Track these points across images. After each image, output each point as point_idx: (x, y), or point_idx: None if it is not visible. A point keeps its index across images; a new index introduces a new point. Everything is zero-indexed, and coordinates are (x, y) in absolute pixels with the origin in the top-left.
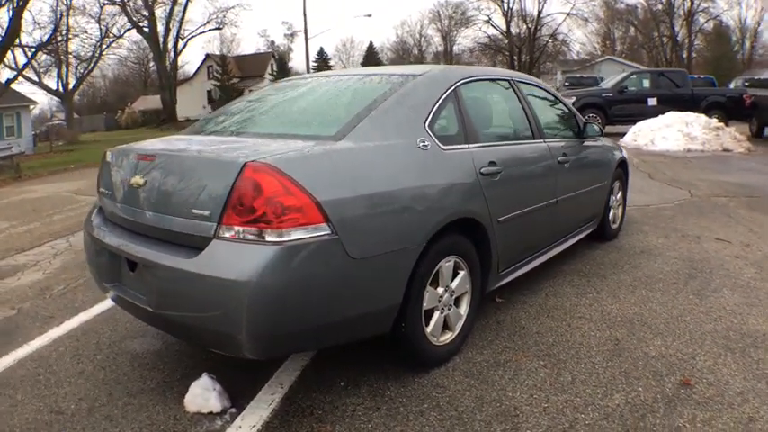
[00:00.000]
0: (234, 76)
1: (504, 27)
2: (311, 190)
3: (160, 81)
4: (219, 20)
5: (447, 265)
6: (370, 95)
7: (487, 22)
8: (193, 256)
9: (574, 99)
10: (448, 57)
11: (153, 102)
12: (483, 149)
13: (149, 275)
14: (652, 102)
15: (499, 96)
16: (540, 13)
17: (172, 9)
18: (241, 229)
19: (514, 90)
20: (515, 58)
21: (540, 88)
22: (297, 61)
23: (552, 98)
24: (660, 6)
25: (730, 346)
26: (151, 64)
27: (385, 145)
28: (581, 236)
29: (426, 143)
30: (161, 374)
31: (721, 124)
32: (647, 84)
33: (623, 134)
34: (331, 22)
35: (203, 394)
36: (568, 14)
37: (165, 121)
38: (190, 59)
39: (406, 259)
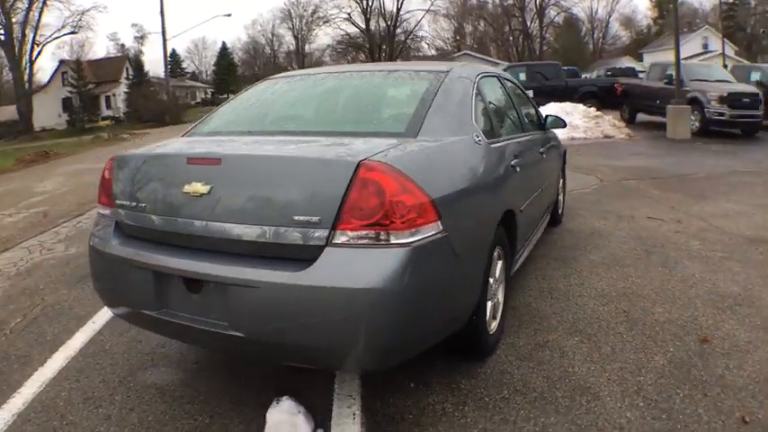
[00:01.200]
0: (89, 82)
1: (363, 25)
2: (425, 187)
3: (16, 90)
4: (75, 23)
5: (496, 255)
6: (412, 92)
7: (348, 19)
8: (303, 268)
9: None
10: (300, 56)
11: (8, 113)
12: (508, 143)
13: (237, 296)
14: (528, 94)
15: (499, 91)
16: (399, 9)
17: (27, 14)
18: (360, 233)
19: (502, 85)
20: (375, 55)
21: (513, 83)
22: (149, 65)
23: (520, 92)
24: (512, 1)
25: (719, 306)
26: (4, 73)
27: (456, 140)
28: (546, 222)
29: (479, 138)
30: (208, 406)
31: (600, 113)
32: (523, 77)
33: None
34: (183, 22)
35: (290, 420)
36: (428, 11)
37: (22, 132)
38: (41, 66)
39: (485, 252)
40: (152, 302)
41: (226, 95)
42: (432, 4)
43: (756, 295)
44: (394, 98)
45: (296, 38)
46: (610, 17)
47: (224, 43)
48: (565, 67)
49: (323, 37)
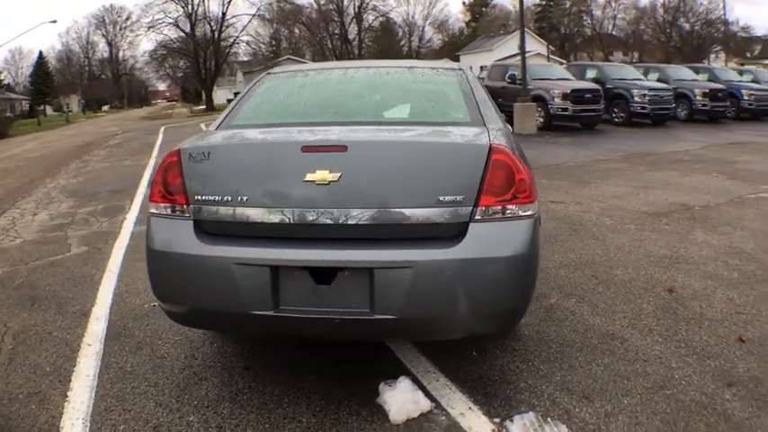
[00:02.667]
0: None
1: (189, 30)
2: (527, 169)
3: None
4: None
5: None
6: (447, 86)
7: (174, 24)
8: (453, 244)
9: None
10: (113, 63)
11: None
12: None
13: (384, 279)
14: None
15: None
16: (224, 14)
17: None
18: (496, 208)
19: None
20: (200, 60)
21: None
22: None
23: None
24: (331, 6)
25: (662, 265)
26: None
27: (507, 128)
28: None
29: (509, 127)
30: (301, 406)
31: None
32: None
33: None
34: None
35: (411, 398)
36: (254, 15)
37: None
38: None
39: None
40: (267, 301)
41: (42, 107)
42: (258, 9)
43: (684, 255)
44: (435, 92)
45: (110, 45)
46: (426, 21)
47: (40, 52)
48: None
49: (146, 43)
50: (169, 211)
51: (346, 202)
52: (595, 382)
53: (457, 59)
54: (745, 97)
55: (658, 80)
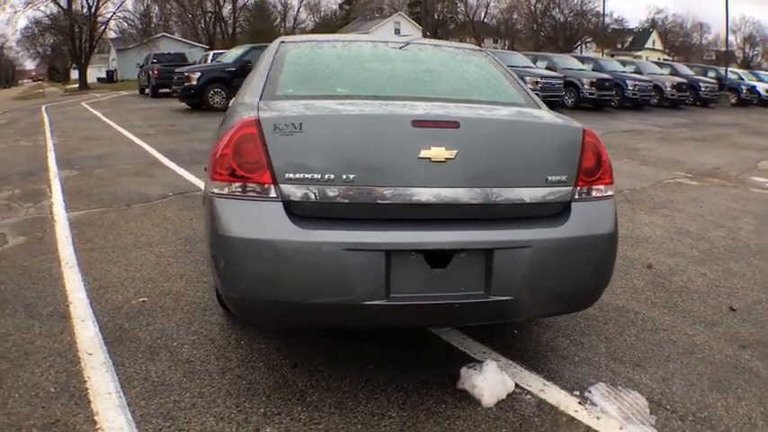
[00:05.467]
0: None
1: (66, 5)
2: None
3: None
4: None
5: None
6: (483, 66)
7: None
8: (561, 223)
9: (198, 74)
10: None
11: None
12: None
13: (504, 260)
14: None
15: None
16: None
17: None
18: (589, 188)
19: None
20: (76, 38)
21: None
22: None
23: None
24: None
25: (632, 245)
26: None
27: None
28: None
29: None
30: (381, 400)
31: None
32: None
33: None
34: None
35: (501, 380)
36: None
37: None
38: None
39: None
40: (380, 290)
41: None
42: None
43: (642, 235)
44: (480, 72)
45: None
46: (302, 2)
47: None
48: None
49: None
50: (246, 191)
51: (462, 180)
52: (636, 350)
53: None
54: (630, 87)
55: (547, 68)
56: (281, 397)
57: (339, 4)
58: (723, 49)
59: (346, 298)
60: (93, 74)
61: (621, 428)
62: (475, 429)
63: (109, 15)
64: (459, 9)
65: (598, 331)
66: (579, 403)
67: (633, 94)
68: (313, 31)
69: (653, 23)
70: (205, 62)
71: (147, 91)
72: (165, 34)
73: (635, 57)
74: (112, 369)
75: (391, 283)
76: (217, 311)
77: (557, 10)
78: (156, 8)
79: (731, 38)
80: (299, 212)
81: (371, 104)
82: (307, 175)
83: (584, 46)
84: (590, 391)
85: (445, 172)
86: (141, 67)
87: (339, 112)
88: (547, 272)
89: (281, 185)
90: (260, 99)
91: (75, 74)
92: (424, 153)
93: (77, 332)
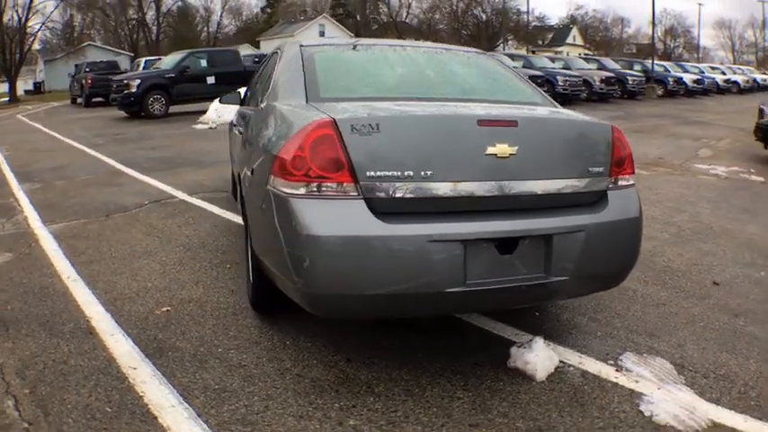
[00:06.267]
0: None
1: None
2: None
3: None
4: None
5: None
6: (495, 68)
7: None
8: (602, 209)
9: (138, 81)
10: None
11: None
12: None
13: (562, 244)
14: (211, 80)
15: None
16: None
17: None
18: (617, 177)
19: None
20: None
21: None
22: None
23: None
24: None
25: None
26: None
27: None
28: None
29: None
30: (448, 390)
31: None
32: (205, 63)
33: (199, 112)
34: None
35: (549, 355)
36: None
37: None
38: None
39: None
40: (459, 277)
41: None
42: None
43: None
44: (497, 74)
45: None
46: (224, 6)
47: None
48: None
49: None
50: (324, 190)
51: (523, 173)
52: (646, 323)
53: (256, 46)
54: (560, 83)
55: None
56: (349, 390)
57: (261, 8)
58: (644, 42)
59: (430, 287)
60: (20, 86)
61: (660, 388)
62: (537, 401)
63: (37, 27)
64: (381, 10)
65: (608, 309)
66: (616, 371)
67: (564, 90)
68: (236, 37)
69: (573, 19)
70: (138, 69)
71: (79, 101)
72: (91, 43)
73: (556, 53)
74: (165, 381)
75: (468, 271)
76: (249, 315)
77: (479, 9)
78: (79, 17)
79: (651, 30)
80: (379, 208)
81: (432, 106)
82: (387, 173)
83: (505, 44)
84: (621, 360)
85: (509, 166)
86: (73, 76)
87: (409, 113)
88: (594, 253)
89: (362, 183)
90: (307, 101)
91: (1, 87)
92: (490, 150)
93: (111, 347)
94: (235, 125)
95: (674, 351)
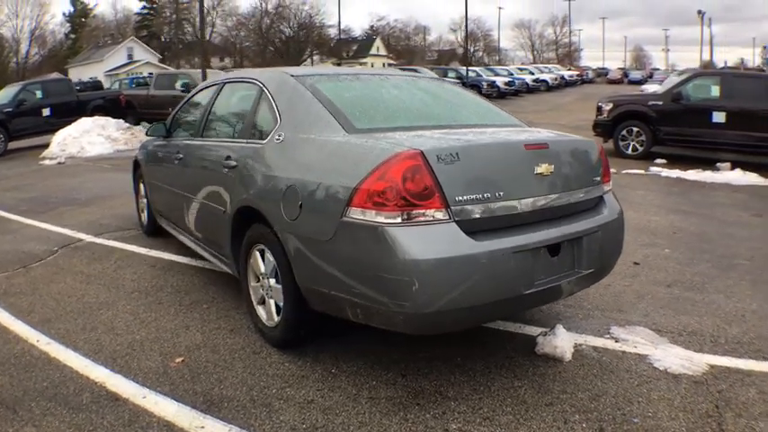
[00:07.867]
0: None
1: None
2: None
3: None
4: None
5: None
6: (468, 93)
7: None
8: (602, 210)
9: None
10: None
11: None
12: None
13: (588, 243)
14: (47, 112)
15: None
16: None
17: None
18: (606, 184)
19: None
20: None
21: None
22: None
23: None
24: None
25: None
26: None
27: None
28: None
29: None
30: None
31: (134, 126)
32: (40, 95)
33: (43, 145)
34: None
35: (570, 338)
36: None
37: None
38: None
39: None
40: (530, 280)
41: None
42: None
43: None
44: (472, 98)
45: None
46: (33, 35)
47: None
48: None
49: None
50: (416, 217)
51: (560, 187)
52: (609, 301)
53: (65, 73)
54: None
55: None
56: (429, 400)
57: (65, 34)
58: (445, 48)
59: (513, 292)
60: None
61: (657, 348)
62: (575, 376)
63: None
64: (186, 30)
65: (573, 297)
66: (615, 342)
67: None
68: (41, 65)
69: (376, 31)
70: None
71: None
72: None
73: (361, 64)
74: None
75: (534, 274)
76: (271, 351)
77: (284, 24)
78: None
79: (452, 36)
80: (466, 228)
81: (471, 133)
82: (471, 196)
83: (311, 58)
84: (613, 333)
85: (551, 182)
86: None
87: (478, 142)
88: (606, 247)
89: (452, 207)
90: (346, 132)
91: None
92: (537, 169)
93: (154, 410)
94: (166, 158)
95: (646, 320)
